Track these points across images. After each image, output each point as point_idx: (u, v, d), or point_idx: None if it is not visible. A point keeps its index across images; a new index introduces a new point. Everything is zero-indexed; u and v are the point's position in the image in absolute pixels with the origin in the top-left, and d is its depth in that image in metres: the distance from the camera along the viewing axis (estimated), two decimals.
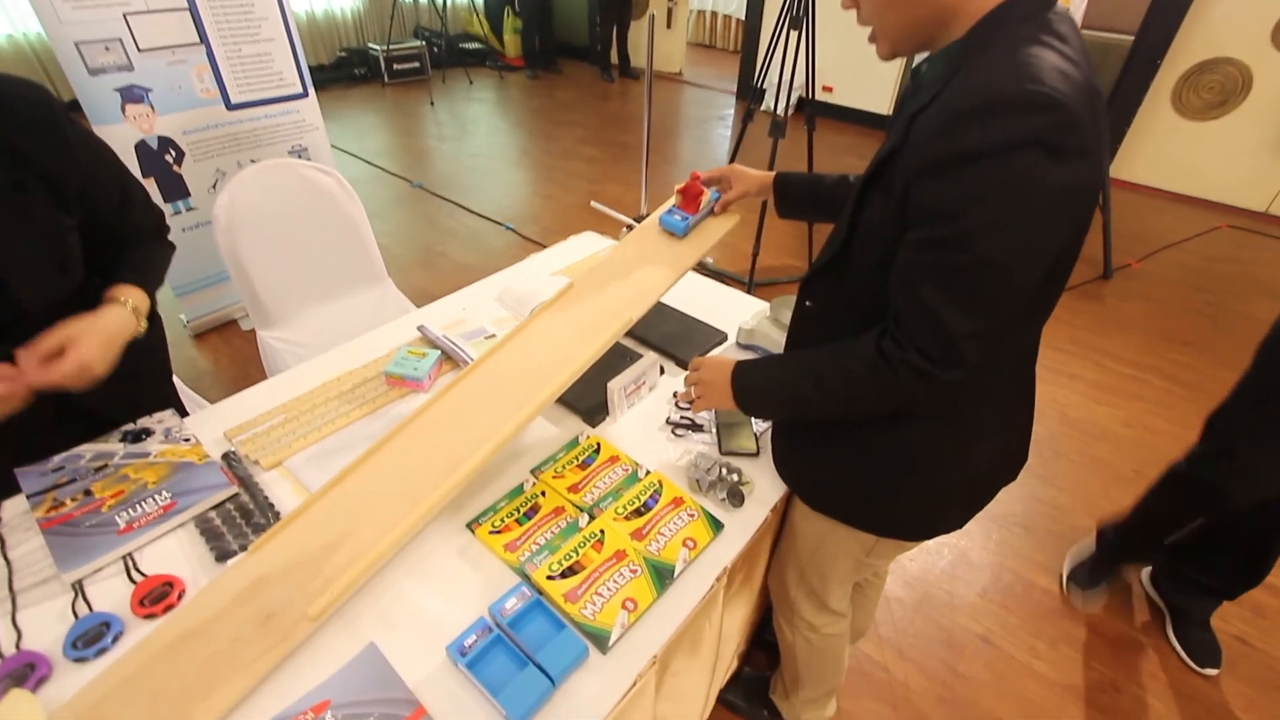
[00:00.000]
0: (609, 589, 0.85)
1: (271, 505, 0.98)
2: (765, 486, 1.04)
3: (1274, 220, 4.00)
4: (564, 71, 6.71)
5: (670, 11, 6.44)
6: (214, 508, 0.97)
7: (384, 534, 0.84)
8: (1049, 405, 2.44)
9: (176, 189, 2.37)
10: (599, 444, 1.09)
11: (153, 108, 2.21)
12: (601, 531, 0.92)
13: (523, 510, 0.97)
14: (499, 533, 0.94)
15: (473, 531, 0.94)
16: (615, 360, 1.25)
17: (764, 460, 1.09)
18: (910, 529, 0.91)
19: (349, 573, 0.80)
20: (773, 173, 1.15)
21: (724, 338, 1.38)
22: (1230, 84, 3.88)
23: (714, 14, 7.59)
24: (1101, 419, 2.40)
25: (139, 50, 2.11)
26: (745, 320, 1.34)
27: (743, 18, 6.43)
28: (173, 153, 2.32)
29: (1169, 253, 3.60)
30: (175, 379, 1.60)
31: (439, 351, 1.25)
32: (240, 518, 0.96)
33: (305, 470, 1.03)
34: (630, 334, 1.37)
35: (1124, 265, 3.42)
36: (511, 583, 0.87)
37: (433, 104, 5.56)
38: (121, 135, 2.18)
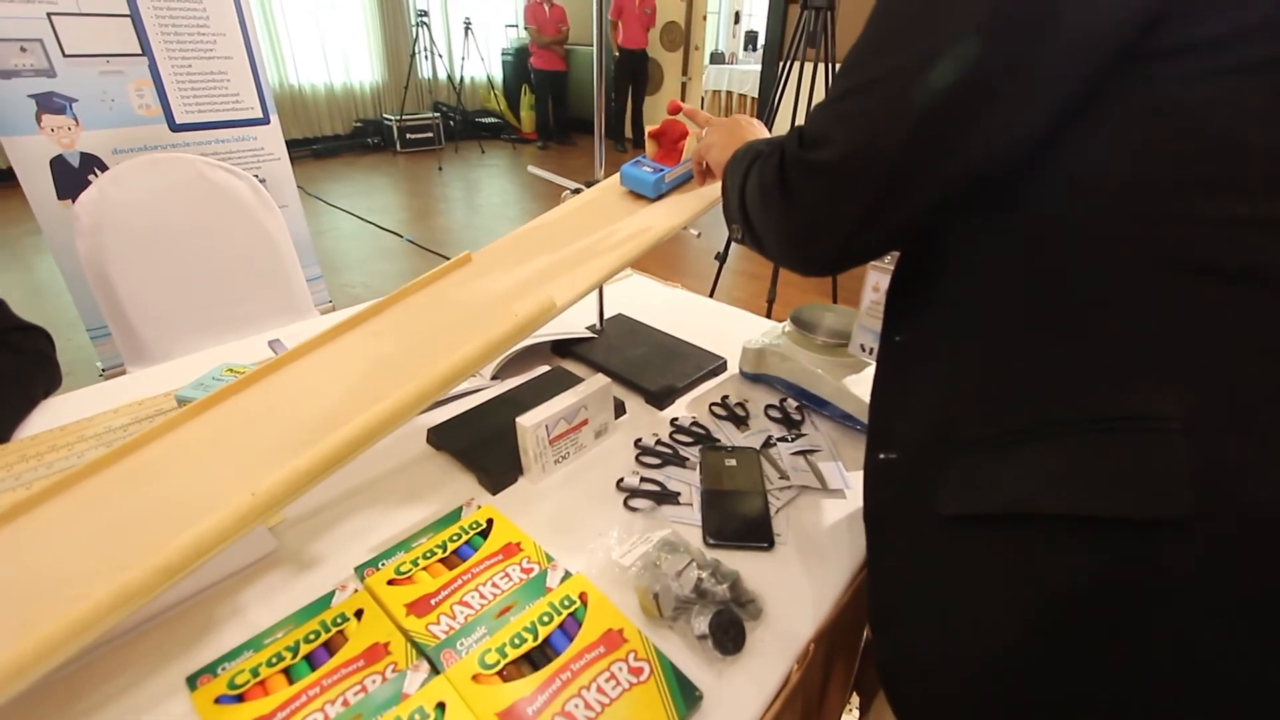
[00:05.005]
0: None
1: None
2: (785, 607, 0.56)
3: None
4: (578, 144, 6.68)
5: (684, 86, 6.45)
6: None
7: None
8: None
9: None
10: (491, 520, 0.62)
11: (76, 120, 1.94)
12: (441, 707, 0.44)
13: (306, 648, 0.50)
14: (239, 699, 0.46)
15: (193, 690, 0.47)
16: (546, 388, 0.80)
17: (784, 559, 0.61)
18: None
19: None
20: None
21: (721, 365, 0.93)
22: None
23: (729, 94, 7.63)
24: None
25: (64, 55, 1.86)
26: (751, 339, 0.89)
27: (756, 95, 6.39)
28: (98, 174, 2.03)
29: None
30: None
31: None
32: None
33: None
34: (580, 357, 0.93)
35: None
36: None
37: (441, 169, 5.45)
38: (34, 148, 1.90)
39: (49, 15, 1.79)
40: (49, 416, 0.80)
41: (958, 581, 0.40)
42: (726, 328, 1.04)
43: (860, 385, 0.79)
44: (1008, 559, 0.38)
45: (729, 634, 0.51)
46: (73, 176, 1.98)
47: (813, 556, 0.62)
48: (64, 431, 0.76)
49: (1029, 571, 0.37)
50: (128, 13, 1.90)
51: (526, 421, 0.67)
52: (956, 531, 0.40)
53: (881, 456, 0.49)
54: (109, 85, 1.95)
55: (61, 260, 2.03)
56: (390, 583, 0.55)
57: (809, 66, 2.45)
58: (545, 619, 0.51)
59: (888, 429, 0.50)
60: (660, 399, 0.84)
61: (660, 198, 0.79)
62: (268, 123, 2.33)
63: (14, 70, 1.78)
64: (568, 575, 0.56)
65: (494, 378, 0.88)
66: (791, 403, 0.85)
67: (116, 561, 0.44)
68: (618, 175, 0.82)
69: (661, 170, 0.78)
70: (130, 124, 2.03)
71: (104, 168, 2.02)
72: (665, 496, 0.68)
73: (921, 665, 0.43)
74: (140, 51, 1.96)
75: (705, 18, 6.60)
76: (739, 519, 0.64)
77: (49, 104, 1.87)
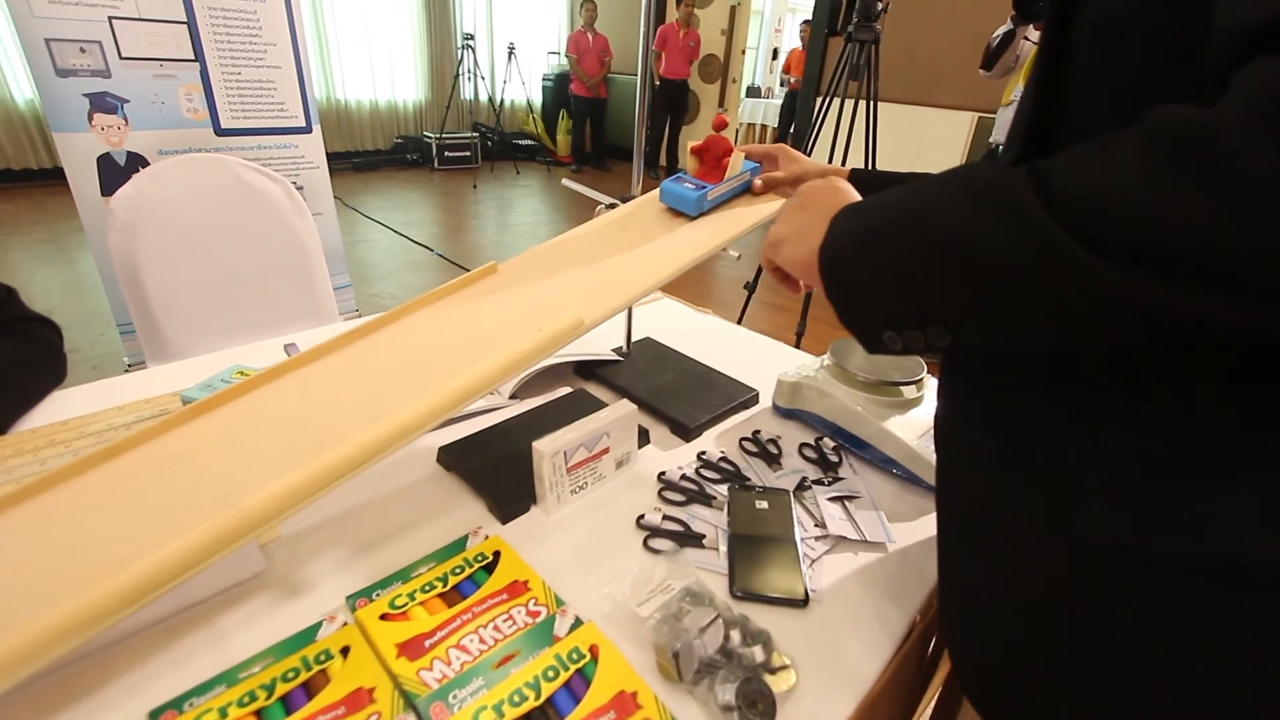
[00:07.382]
0: None
1: None
2: (820, 676, 0.49)
3: None
4: (613, 170, 6.74)
5: None
6: None
7: None
8: None
9: None
10: (498, 553, 0.57)
11: (126, 120, 1.98)
12: None
13: (284, 687, 0.44)
14: None
15: None
16: (567, 411, 0.76)
17: (820, 619, 0.55)
18: None
19: None
20: (845, 167, 0.71)
21: (753, 398, 0.87)
22: None
23: (763, 126, 7.68)
24: None
25: (120, 58, 1.91)
26: (786, 372, 0.83)
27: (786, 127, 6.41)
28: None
29: None
30: None
31: None
32: None
33: None
34: (604, 381, 0.88)
35: None
36: None
37: (475, 187, 5.53)
38: (83, 145, 1.93)
39: (110, 19, 1.84)
40: (55, 409, 0.78)
41: (1100, 617, 0.35)
42: (758, 358, 0.99)
43: (905, 428, 0.73)
44: (1212, 613, 0.32)
45: (757, 707, 0.44)
46: (117, 174, 2.01)
47: (852, 619, 0.55)
48: (65, 427, 0.73)
49: (1242, 630, 0.31)
50: (185, 20, 1.94)
51: (544, 446, 0.62)
52: (1109, 563, 0.34)
53: (964, 437, 0.42)
54: (160, 88, 2.00)
55: (99, 255, 2.06)
56: (383, 617, 0.50)
57: (848, 103, 2.42)
58: (550, 674, 0.45)
59: (976, 390, 0.42)
60: (687, 430, 0.78)
61: (701, 215, 0.74)
62: (310, 132, 2.36)
63: (71, 69, 1.83)
64: (578, 623, 0.50)
65: (512, 396, 0.84)
66: (828, 442, 0.79)
67: (81, 577, 0.39)
68: (656, 191, 0.78)
69: (704, 187, 0.73)
70: (177, 126, 2.07)
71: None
72: (689, 538, 0.62)
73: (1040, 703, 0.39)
74: (193, 57, 2.01)
75: (744, 52, 6.67)
76: (770, 570, 0.58)
77: (101, 103, 1.92)
